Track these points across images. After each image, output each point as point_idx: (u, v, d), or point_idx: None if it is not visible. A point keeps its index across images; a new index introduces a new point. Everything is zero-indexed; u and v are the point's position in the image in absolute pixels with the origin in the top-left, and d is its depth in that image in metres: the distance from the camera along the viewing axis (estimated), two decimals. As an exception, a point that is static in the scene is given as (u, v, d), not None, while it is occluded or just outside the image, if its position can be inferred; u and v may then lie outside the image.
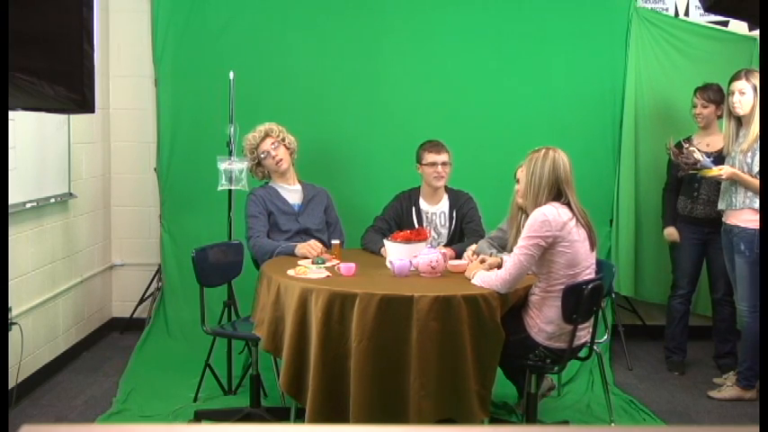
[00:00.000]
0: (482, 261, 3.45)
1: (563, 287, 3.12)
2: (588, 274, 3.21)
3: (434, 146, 4.09)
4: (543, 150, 3.23)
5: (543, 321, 3.18)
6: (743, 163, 3.96)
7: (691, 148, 4.16)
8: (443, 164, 4.06)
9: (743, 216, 3.95)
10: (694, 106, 4.44)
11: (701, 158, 4.09)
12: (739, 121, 4.06)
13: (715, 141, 4.36)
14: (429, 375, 3.02)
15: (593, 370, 4.30)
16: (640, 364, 4.72)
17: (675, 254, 4.59)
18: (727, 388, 4.15)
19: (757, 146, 3.89)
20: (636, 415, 3.92)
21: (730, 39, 4.95)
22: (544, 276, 3.18)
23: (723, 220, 4.11)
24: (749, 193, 3.92)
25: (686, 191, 4.44)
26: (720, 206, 4.11)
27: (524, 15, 4.94)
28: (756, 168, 3.89)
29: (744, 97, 3.97)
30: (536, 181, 3.18)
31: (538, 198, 3.18)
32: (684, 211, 4.45)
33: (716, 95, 4.36)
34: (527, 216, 3.37)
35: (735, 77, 4.04)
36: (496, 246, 3.78)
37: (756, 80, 3.95)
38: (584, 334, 3.28)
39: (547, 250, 3.11)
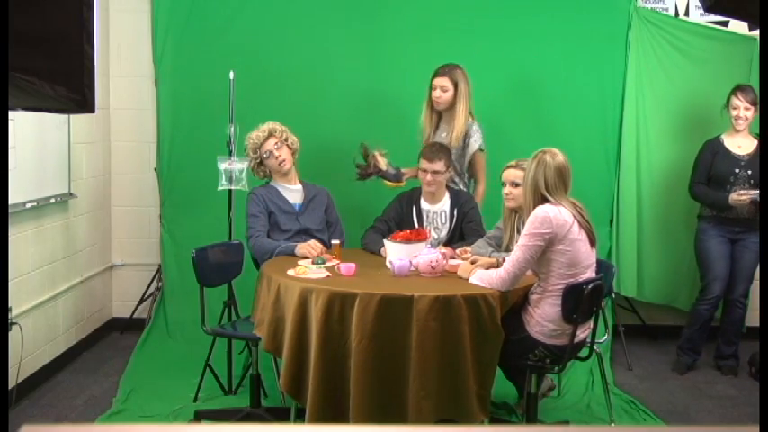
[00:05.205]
0: (473, 262, 3.44)
1: (563, 287, 3.12)
2: (589, 273, 3.21)
3: (430, 152, 4.00)
4: (549, 150, 3.22)
5: (543, 319, 3.17)
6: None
7: (378, 156, 4.25)
8: (434, 172, 3.98)
9: None
10: (734, 108, 4.38)
11: (384, 168, 4.23)
12: (440, 116, 4.21)
13: (746, 144, 4.38)
14: (429, 375, 3.02)
15: (594, 370, 4.30)
16: (640, 364, 4.72)
17: (704, 256, 4.47)
18: None
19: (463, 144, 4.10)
20: (636, 415, 3.92)
21: (730, 39, 4.95)
22: (544, 275, 3.18)
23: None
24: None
25: (716, 189, 4.40)
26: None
27: (524, 15, 4.94)
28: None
29: (445, 94, 4.15)
30: (541, 182, 3.16)
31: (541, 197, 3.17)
32: (714, 210, 4.42)
33: (755, 98, 4.36)
34: (520, 217, 3.37)
35: (436, 74, 4.18)
36: (494, 245, 3.76)
37: (458, 78, 4.12)
38: (583, 332, 3.28)
39: (547, 249, 3.11)
